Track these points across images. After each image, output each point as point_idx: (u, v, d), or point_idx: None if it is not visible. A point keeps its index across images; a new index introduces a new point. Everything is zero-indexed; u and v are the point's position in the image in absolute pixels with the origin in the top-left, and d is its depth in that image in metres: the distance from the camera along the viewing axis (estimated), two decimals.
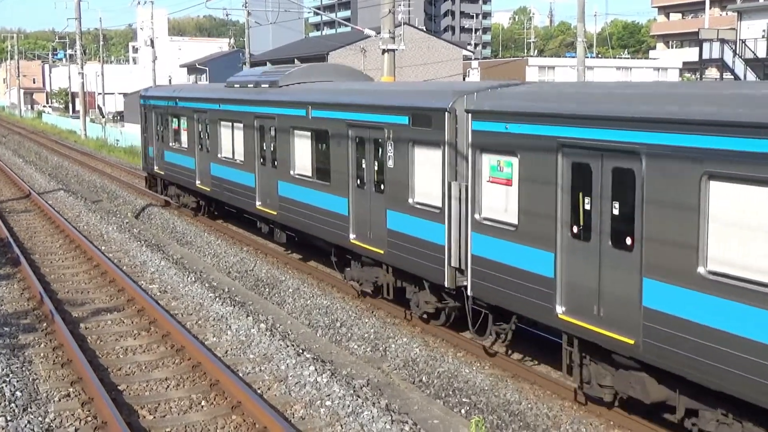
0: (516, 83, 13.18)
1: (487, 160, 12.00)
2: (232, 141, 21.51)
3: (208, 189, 23.47)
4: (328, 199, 16.40)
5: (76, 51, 69.95)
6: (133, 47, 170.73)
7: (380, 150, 14.63)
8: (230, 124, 21.52)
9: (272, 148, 19.03)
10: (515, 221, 11.39)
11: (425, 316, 14.57)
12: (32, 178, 36.38)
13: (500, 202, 11.76)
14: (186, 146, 25.15)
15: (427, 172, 13.36)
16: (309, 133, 17.22)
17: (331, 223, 16.32)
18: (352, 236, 15.61)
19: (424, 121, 13.27)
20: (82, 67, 65.83)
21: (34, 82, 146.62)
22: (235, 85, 21.92)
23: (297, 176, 17.81)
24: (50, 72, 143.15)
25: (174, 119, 26.39)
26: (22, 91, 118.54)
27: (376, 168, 14.84)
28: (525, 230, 11.20)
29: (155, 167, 28.50)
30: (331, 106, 16.23)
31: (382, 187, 14.60)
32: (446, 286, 13.08)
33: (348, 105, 15.62)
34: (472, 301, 12.74)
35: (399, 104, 14.04)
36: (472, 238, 12.32)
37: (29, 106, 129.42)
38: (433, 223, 13.18)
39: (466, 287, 12.69)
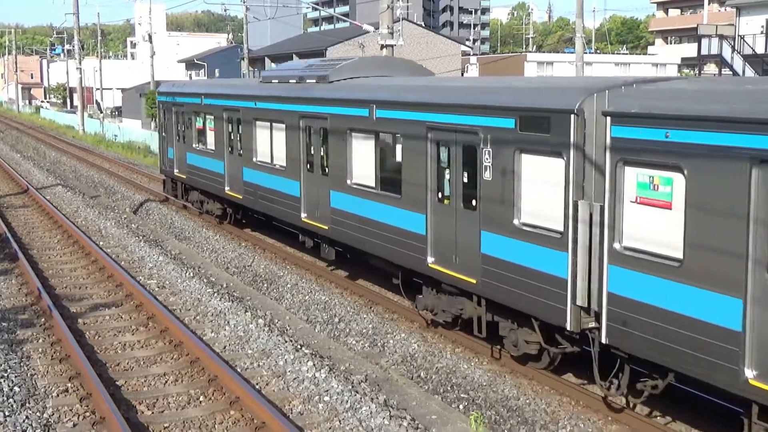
0: (664, 78, 11.06)
1: (634, 176, 9.67)
2: (270, 144, 19.02)
3: (240, 197, 20.92)
4: (399, 215, 14.07)
5: (74, 46, 69.80)
6: (131, 42, 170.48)
7: (472, 159, 12.20)
8: (268, 124, 19.01)
9: (322, 153, 16.65)
10: (679, 255, 9.05)
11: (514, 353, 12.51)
12: (30, 173, 36.35)
13: (654, 230, 9.46)
14: (213, 148, 22.66)
15: (540, 188, 10.99)
16: (372, 137, 14.84)
17: (402, 242, 14.00)
18: (430, 260, 13.32)
19: (538, 124, 10.88)
20: (80, 63, 65.72)
21: (32, 78, 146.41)
22: (273, 81, 19.42)
23: (355, 186, 15.46)
24: (48, 67, 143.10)
25: (199, 118, 23.86)
26: (20, 86, 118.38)
27: (465, 180, 12.45)
28: (695, 268, 8.86)
29: (176, 170, 26.00)
30: (404, 106, 13.82)
31: (474, 203, 12.19)
32: (569, 329, 10.63)
33: (428, 104, 13.17)
34: (599, 346, 10.48)
35: (502, 104, 11.61)
36: (609, 272, 9.93)
37: (27, 102, 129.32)
38: (549, 250, 10.78)
39: (595, 331, 10.44)
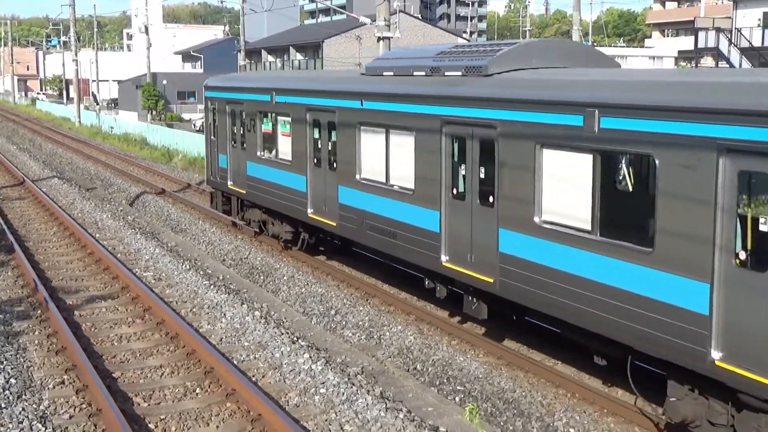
0: None
1: None
2: (385, 157, 14.69)
3: (333, 224, 16.40)
4: (647, 278, 9.56)
5: (70, 38, 69.69)
6: (128, 34, 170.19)
7: None
8: (383, 131, 14.70)
9: (483, 174, 12.33)
10: None
11: None
12: (26, 165, 36.30)
13: None
14: (289, 159, 18.13)
15: None
16: (589, 156, 10.36)
17: (647, 319, 9.54)
18: (715, 355, 8.80)
19: None
20: (76, 54, 65.57)
21: (27, 69, 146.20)
22: (385, 73, 15.14)
23: (550, 227, 11.00)
24: (44, 59, 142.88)
25: (267, 120, 19.36)
26: (15, 78, 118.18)
27: None
28: None
29: (229, 182, 21.52)
30: (672, 113, 9.13)
31: None
32: None
33: (729, 112, 8.55)
34: None
35: None
36: None
37: (23, 93, 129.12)
38: None
39: None
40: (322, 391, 10.75)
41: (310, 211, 17.39)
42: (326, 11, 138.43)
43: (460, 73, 13.13)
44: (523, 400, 11.46)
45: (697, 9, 76.02)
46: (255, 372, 11.56)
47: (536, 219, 11.21)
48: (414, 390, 11.33)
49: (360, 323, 14.71)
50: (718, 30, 48.35)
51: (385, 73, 15.16)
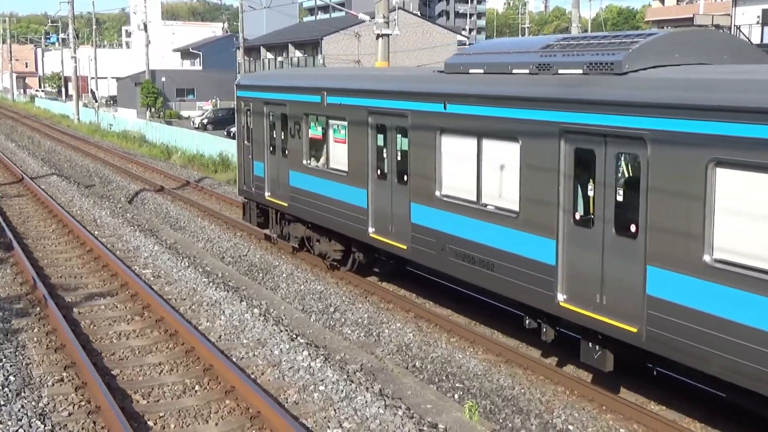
0: None
1: None
2: (477, 170, 12.31)
3: (404, 247, 14.08)
4: None
5: (68, 35, 69.68)
6: (127, 31, 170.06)
7: None
8: (473, 139, 12.29)
9: (622, 197, 9.98)
10: None
11: None
12: (25, 162, 36.29)
13: None
14: (345, 169, 15.74)
15: None
16: None
17: None
18: None
19: None
20: (74, 52, 65.53)
21: (26, 67, 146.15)
22: (472, 70, 12.78)
23: (728, 268, 8.62)
24: (43, 56, 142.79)
25: (316, 124, 16.84)
26: (14, 75, 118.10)
27: None
28: None
29: (267, 193, 18.98)
30: None
31: None
32: None
33: None
34: None
35: None
36: None
37: (22, 91, 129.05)
38: None
39: None
40: (321, 388, 10.76)
41: (371, 230, 15.02)
42: (325, 8, 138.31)
43: (580, 71, 10.81)
44: (522, 398, 11.46)
45: (697, 6, 75.96)
46: (254, 369, 11.56)
47: (706, 257, 8.81)
48: (413, 387, 11.34)
49: (359, 320, 14.71)
50: (717, 27, 48.34)
51: (472, 71, 12.77)
